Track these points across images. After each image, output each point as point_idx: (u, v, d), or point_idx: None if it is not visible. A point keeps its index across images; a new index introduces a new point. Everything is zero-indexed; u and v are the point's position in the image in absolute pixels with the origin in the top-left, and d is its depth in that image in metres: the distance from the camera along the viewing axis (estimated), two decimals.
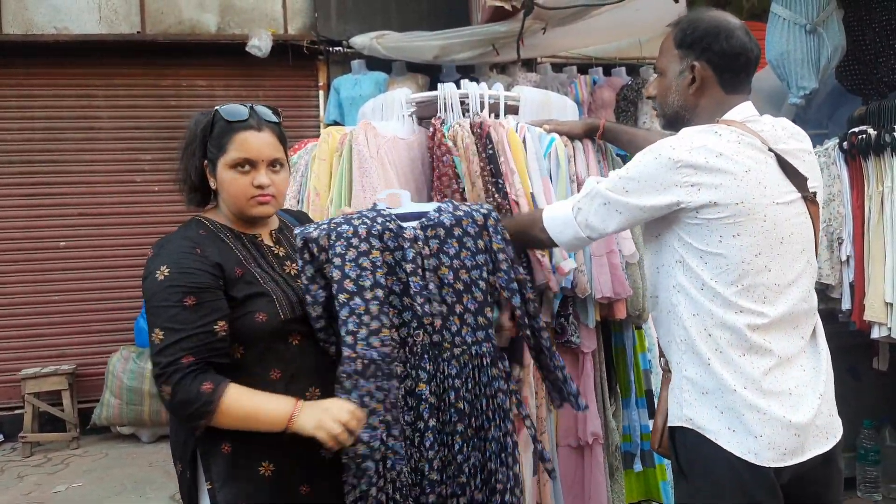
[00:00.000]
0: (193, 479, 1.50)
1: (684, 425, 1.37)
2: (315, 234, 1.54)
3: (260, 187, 1.51)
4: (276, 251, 1.59)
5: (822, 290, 2.80)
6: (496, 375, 1.59)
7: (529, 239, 1.66)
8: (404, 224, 1.59)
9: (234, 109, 1.51)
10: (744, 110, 1.43)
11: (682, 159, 1.32)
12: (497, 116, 2.15)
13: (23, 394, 4.68)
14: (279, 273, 1.55)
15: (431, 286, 1.56)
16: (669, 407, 1.43)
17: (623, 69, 5.35)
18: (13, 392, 4.90)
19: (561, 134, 2.07)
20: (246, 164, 1.50)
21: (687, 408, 1.36)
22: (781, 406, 1.30)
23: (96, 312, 5.15)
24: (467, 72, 5.23)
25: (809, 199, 1.39)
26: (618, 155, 2.15)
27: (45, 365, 4.90)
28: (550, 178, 2.00)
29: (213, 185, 1.54)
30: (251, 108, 1.52)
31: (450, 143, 2.00)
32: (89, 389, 4.99)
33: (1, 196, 5.06)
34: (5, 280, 5.05)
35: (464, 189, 1.99)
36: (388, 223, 1.58)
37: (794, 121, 1.52)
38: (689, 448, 1.37)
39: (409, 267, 1.55)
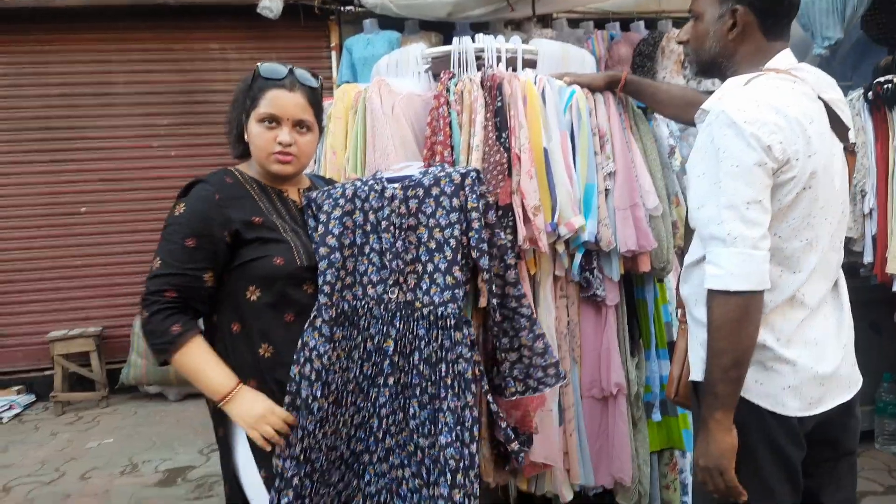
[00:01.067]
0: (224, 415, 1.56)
1: None
2: (314, 195, 1.66)
3: (281, 144, 1.56)
4: (300, 206, 1.65)
5: (845, 244, 2.78)
6: (459, 340, 1.55)
7: (746, 337, 1.28)
8: (388, 185, 1.65)
9: (273, 68, 1.59)
10: (787, 57, 1.38)
11: (754, 118, 1.25)
12: (514, 71, 2.13)
13: (52, 355, 4.81)
14: (300, 226, 1.61)
15: (399, 244, 1.60)
16: (694, 361, 1.43)
17: (641, 23, 5.24)
18: (42, 354, 5.03)
19: (582, 86, 2.04)
20: (272, 121, 1.56)
21: None
22: (809, 357, 1.31)
23: (119, 276, 5.24)
24: (481, 29, 5.14)
25: (849, 150, 1.37)
26: (639, 107, 2.13)
27: (73, 327, 5.02)
28: (572, 132, 1.99)
29: (245, 137, 1.61)
30: (291, 69, 1.59)
31: (451, 97, 1.99)
32: (116, 350, 5.12)
33: (22, 162, 5.12)
34: (30, 245, 5.14)
35: (453, 145, 1.96)
36: (374, 185, 1.65)
37: None
38: None
39: (382, 224, 1.61)
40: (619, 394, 2.00)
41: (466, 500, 1.50)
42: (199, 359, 1.48)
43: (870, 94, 2.75)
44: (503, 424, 1.77)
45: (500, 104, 1.96)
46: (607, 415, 2.04)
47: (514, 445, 1.73)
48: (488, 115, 1.97)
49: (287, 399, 1.52)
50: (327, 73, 5.37)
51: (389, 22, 4.94)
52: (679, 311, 1.55)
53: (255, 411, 1.48)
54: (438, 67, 2.23)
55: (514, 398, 1.74)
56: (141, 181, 5.25)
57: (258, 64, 1.59)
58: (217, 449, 1.65)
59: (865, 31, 3.56)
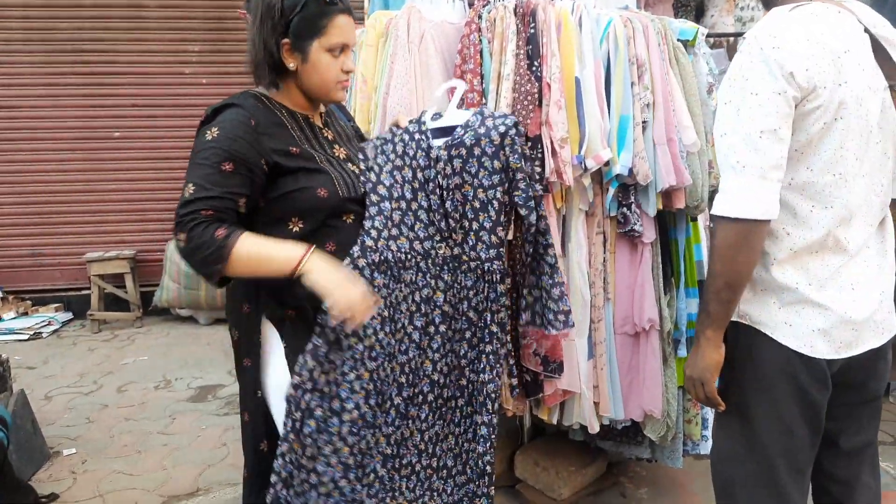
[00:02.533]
0: (255, 346, 1.57)
1: (739, 320, 1.39)
2: (367, 148, 1.67)
3: (347, 73, 1.53)
4: (325, 134, 1.63)
5: None
6: (503, 293, 1.65)
7: (741, 263, 1.30)
8: (433, 143, 1.65)
9: None
10: None
11: (782, 44, 1.23)
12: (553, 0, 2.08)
13: (88, 275, 4.98)
14: (331, 154, 1.59)
15: (448, 204, 1.62)
16: None
17: None
18: (80, 274, 5.21)
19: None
20: (342, 49, 1.50)
21: (744, 304, 1.37)
22: (842, 302, 1.30)
23: (152, 202, 5.36)
24: None
25: (895, 90, 1.32)
26: (679, 40, 2.07)
27: (108, 250, 5.17)
28: (609, 61, 1.95)
29: (291, 65, 1.49)
30: None
31: (483, 24, 1.95)
32: (150, 274, 5.28)
33: (56, 85, 5.17)
34: (66, 168, 5.25)
35: (483, 73, 1.93)
36: (421, 142, 1.64)
37: None
38: (741, 340, 1.39)
39: (430, 185, 1.62)
40: (652, 329, 2.02)
41: (496, 422, 1.69)
42: (255, 245, 1.38)
43: None
44: (538, 353, 1.83)
45: (532, 31, 1.92)
46: (639, 350, 2.06)
47: (545, 373, 1.84)
48: (520, 42, 1.93)
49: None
50: (359, 3, 5.27)
51: None
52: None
53: (340, 272, 1.39)
54: None
55: (523, 328, 1.85)
56: (173, 108, 5.29)
57: None
58: None
59: None
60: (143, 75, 5.25)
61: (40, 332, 4.86)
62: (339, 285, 1.37)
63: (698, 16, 4.79)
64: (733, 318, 1.39)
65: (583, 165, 1.90)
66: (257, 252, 1.38)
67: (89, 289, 5.04)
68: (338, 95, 1.55)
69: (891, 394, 3.34)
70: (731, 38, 4.34)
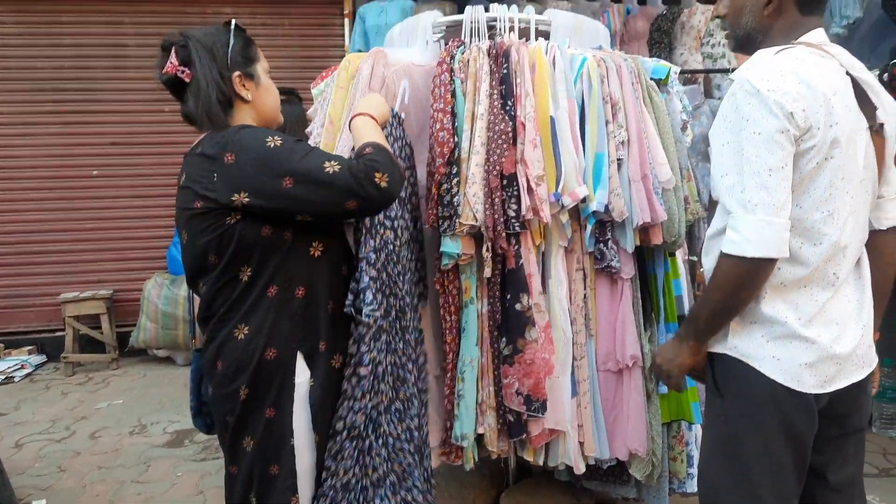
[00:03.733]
0: (287, 389, 1.52)
1: (727, 353, 1.39)
2: None
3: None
4: None
5: None
6: None
7: (743, 299, 1.35)
8: None
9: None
10: (819, 35, 1.38)
11: (777, 86, 1.25)
12: (528, 41, 2.11)
13: (63, 317, 4.88)
14: None
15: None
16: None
17: None
18: (54, 315, 5.10)
19: None
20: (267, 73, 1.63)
21: (733, 336, 1.38)
22: (828, 337, 1.32)
23: (130, 240, 5.29)
24: None
25: (875, 131, 1.36)
26: (652, 79, 2.11)
27: (84, 290, 5.08)
28: (583, 99, 1.98)
29: (247, 94, 1.54)
30: None
31: (455, 65, 1.97)
32: (126, 314, 5.18)
33: (34, 124, 5.14)
34: (43, 207, 5.18)
35: (456, 112, 1.94)
36: None
37: None
38: (727, 372, 1.40)
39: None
40: (635, 366, 2.01)
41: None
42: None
43: (885, 75, 2.71)
44: (520, 392, 1.82)
45: (505, 72, 1.94)
46: (622, 387, 2.05)
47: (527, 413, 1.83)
48: (493, 83, 1.95)
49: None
50: (339, 41, 5.33)
51: None
52: (700, 285, 1.56)
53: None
54: (450, 36, 2.20)
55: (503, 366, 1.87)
56: (152, 146, 5.27)
57: (233, 20, 1.55)
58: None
59: (885, 11, 3.50)
60: (122, 113, 5.23)
61: (12, 377, 4.72)
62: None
63: (669, 53, 4.91)
64: (721, 351, 1.41)
65: (560, 203, 1.91)
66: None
67: (64, 330, 4.93)
68: (280, 117, 1.66)
69: (873, 424, 3.34)
70: (703, 75, 4.44)
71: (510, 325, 1.92)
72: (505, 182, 1.89)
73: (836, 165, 1.29)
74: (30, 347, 5.12)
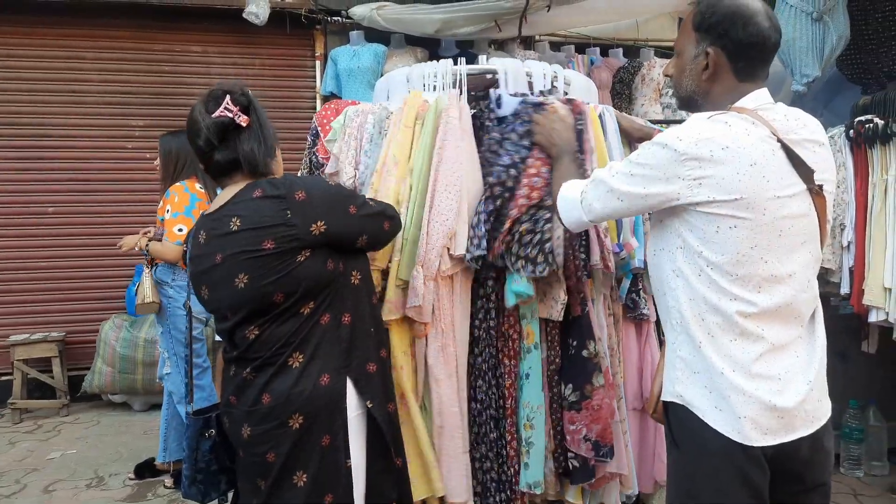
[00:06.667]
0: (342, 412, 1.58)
1: (675, 401, 1.43)
2: None
3: None
4: None
5: (822, 275, 2.89)
6: None
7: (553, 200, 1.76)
8: None
9: None
10: (758, 98, 1.42)
11: (688, 152, 1.32)
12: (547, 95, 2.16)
13: (12, 360, 4.62)
14: None
15: None
16: (664, 381, 1.48)
17: (620, 50, 5.37)
18: (2, 358, 4.82)
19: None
20: None
21: (679, 385, 1.41)
22: (768, 390, 1.34)
23: (85, 280, 5.08)
24: (466, 47, 5.20)
25: (815, 192, 1.38)
26: None
27: (35, 332, 4.84)
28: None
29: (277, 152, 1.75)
30: None
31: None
32: (79, 357, 4.95)
33: None
34: None
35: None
36: None
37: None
38: (680, 422, 1.43)
39: None
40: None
41: None
42: None
43: (851, 132, 2.87)
44: (588, 438, 1.92)
45: (580, 127, 2.00)
46: (647, 424, 2.20)
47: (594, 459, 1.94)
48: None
49: None
50: (311, 82, 5.34)
51: (376, 35, 4.95)
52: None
53: None
54: (470, 84, 2.18)
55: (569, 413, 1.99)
56: (113, 183, 5.12)
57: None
58: None
59: (840, 70, 3.72)
60: (82, 149, 5.07)
61: None
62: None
63: (630, 103, 5.10)
64: (672, 399, 1.44)
65: (620, 254, 2.05)
66: None
67: (11, 374, 4.66)
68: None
69: (841, 465, 3.43)
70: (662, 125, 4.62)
71: (576, 371, 1.98)
72: (570, 234, 2.00)
73: (744, 235, 1.33)
74: None
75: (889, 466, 3.41)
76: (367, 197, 1.74)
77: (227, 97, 1.58)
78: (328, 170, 2.22)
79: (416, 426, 1.94)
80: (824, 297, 2.92)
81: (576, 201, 1.55)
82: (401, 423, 1.82)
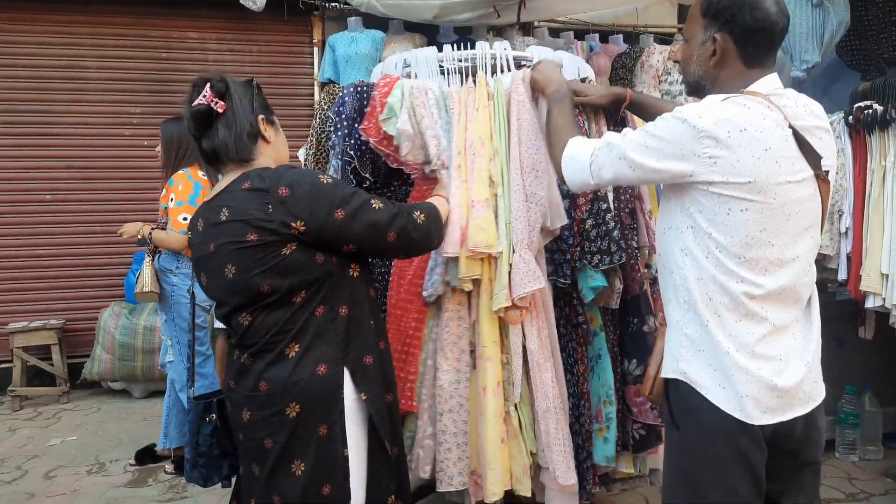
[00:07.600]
0: (339, 402, 1.57)
1: (678, 378, 1.44)
2: None
3: None
4: None
5: (819, 261, 2.89)
6: None
7: (549, 149, 1.76)
8: None
9: None
10: (769, 83, 1.43)
11: (707, 130, 1.32)
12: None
13: (11, 348, 4.63)
14: None
15: None
16: (665, 359, 1.50)
17: (620, 37, 5.35)
18: (1, 346, 4.83)
19: (585, 104, 2.10)
20: None
21: (683, 362, 1.43)
22: (769, 370, 1.36)
23: (85, 268, 5.08)
24: (464, 33, 5.17)
25: (821, 178, 1.40)
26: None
27: (34, 319, 4.84)
28: None
29: (270, 136, 1.66)
30: None
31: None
32: (79, 344, 4.96)
33: None
34: None
35: None
36: None
37: None
38: (681, 399, 1.44)
39: None
40: None
41: None
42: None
43: (850, 118, 2.86)
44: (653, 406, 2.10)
45: (623, 115, 2.14)
46: None
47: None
48: (611, 125, 2.16)
49: None
50: (309, 69, 5.32)
51: (373, 21, 4.92)
52: (660, 314, 1.61)
53: None
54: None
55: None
56: (111, 170, 5.11)
57: (254, 79, 1.69)
58: None
59: (840, 56, 3.70)
60: (80, 136, 5.06)
61: None
62: None
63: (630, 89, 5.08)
64: (674, 376, 1.45)
65: None
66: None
67: (11, 362, 4.68)
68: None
69: (836, 450, 3.46)
70: None
71: (639, 346, 2.12)
72: (628, 212, 2.16)
73: (754, 218, 1.34)
74: None
75: (883, 451, 3.43)
76: (388, 202, 1.60)
77: (207, 85, 1.58)
78: (403, 151, 2.10)
79: (488, 421, 1.97)
80: (821, 283, 2.95)
81: (585, 164, 1.55)
82: (479, 418, 1.91)
